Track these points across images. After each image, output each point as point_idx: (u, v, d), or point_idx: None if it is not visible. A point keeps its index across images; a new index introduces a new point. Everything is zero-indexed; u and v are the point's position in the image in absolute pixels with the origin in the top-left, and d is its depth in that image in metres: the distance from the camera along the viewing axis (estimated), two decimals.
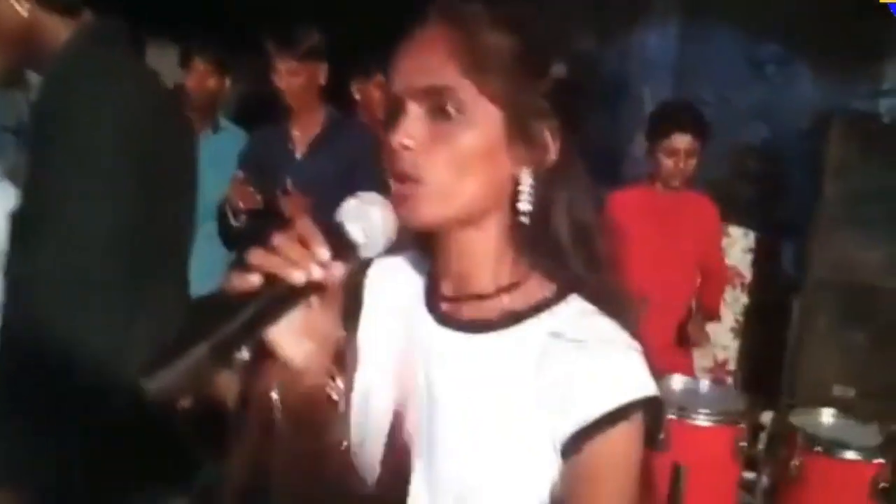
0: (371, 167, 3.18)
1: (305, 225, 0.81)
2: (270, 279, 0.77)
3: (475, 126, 0.89)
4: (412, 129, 0.89)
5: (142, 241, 1.48)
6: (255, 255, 0.79)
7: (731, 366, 3.93)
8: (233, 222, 2.97)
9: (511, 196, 0.93)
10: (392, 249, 0.94)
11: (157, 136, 1.52)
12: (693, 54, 4.15)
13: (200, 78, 3.21)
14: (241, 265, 0.79)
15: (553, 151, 0.93)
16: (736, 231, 3.92)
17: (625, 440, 0.88)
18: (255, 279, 0.77)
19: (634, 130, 3.79)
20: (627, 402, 0.88)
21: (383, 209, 0.86)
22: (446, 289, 0.99)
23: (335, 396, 0.90)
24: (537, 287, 0.96)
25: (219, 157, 3.17)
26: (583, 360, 0.89)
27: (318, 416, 0.88)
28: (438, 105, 0.89)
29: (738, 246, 3.93)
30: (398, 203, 0.89)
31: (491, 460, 0.91)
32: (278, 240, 0.80)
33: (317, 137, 3.07)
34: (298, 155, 3.07)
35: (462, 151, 0.89)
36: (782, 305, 3.73)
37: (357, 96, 3.46)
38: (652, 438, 0.91)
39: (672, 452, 2.46)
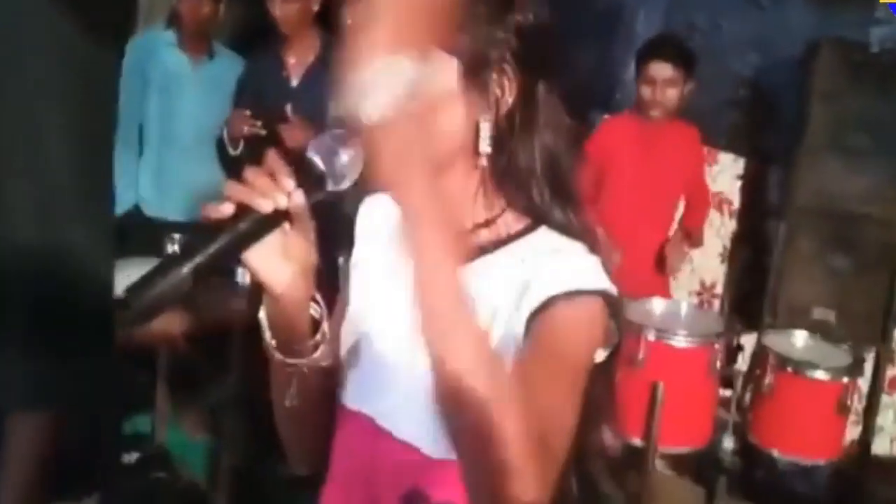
0: None
1: (273, 158, 0.87)
2: (242, 208, 0.85)
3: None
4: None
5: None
6: (227, 186, 0.86)
7: (719, 289, 4.02)
8: (231, 151, 3.04)
9: (475, 140, 0.96)
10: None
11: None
12: None
13: (194, 3, 3.21)
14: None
15: (508, 96, 0.95)
16: (725, 158, 3.96)
17: (577, 317, 0.92)
18: (226, 208, 0.84)
19: (628, 57, 3.81)
20: (584, 287, 0.92)
21: (352, 147, 0.90)
22: None
23: (317, 316, 0.97)
24: (511, 222, 1.00)
25: (214, 83, 3.23)
26: (549, 263, 0.95)
27: (299, 335, 0.95)
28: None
29: (727, 173, 3.98)
30: None
31: None
32: (248, 172, 0.86)
33: (312, 64, 3.11)
34: (294, 82, 3.12)
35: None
36: (767, 231, 3.81)
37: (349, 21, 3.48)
38: (610, 339, 0.97)
39: (651, 372, 2.59)
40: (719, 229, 4.00)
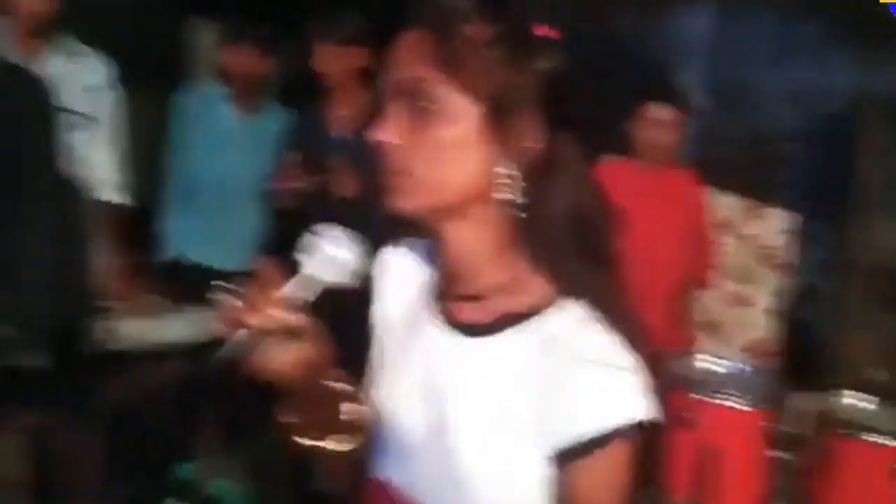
0: None
1: (267, 271, 0.93)
2: (237, 324, 0.91)
3: (450, 118, 0.90)
4: (390, 124, 0.92)
5: None
6: (222, 308, 0.92)
7: (766, 346, 3.95)
8: (280, 204, 3.06)
9: (495, 189, 0.93)
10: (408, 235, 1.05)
11: None
12: (729, 35, 4.13)
13: (244, 59, 3.25)
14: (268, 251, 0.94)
15: (534, 143, 0.92)
16: (773, 213, 3.92)
17: (609, 463, 0.89)
18: (225, 328, 0.91)
19: None
20: (615, 426, 0.87)
21: (336, 243, 0.94)
22: (447, 287, 1.00)
23: (341, 390, 0.98)
24: (535, 289, 0.94)
25: (263, 136, 3.27)
26: (576, 376, 0.88)
27: (323, 412, 0.97)
28: (414, 99, 0.90)
29: (773, 227, 3.94)
30: (391, 193, 0.94)
31: (482, 459, 0.92)
32: (250, 294, 0.91)
33: (358, 118, 3.14)
34: (341, 136, 3.14)
35: (439, 143, 0.90)
36: (816, 287, 3.74)
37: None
38: (647, 455, 0.91)
39: (700, 433, 2.53)
40: (768, 285, 3.94)
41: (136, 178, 3.01)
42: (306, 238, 0.94)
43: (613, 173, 3.09)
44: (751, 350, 3.90)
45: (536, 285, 0.94)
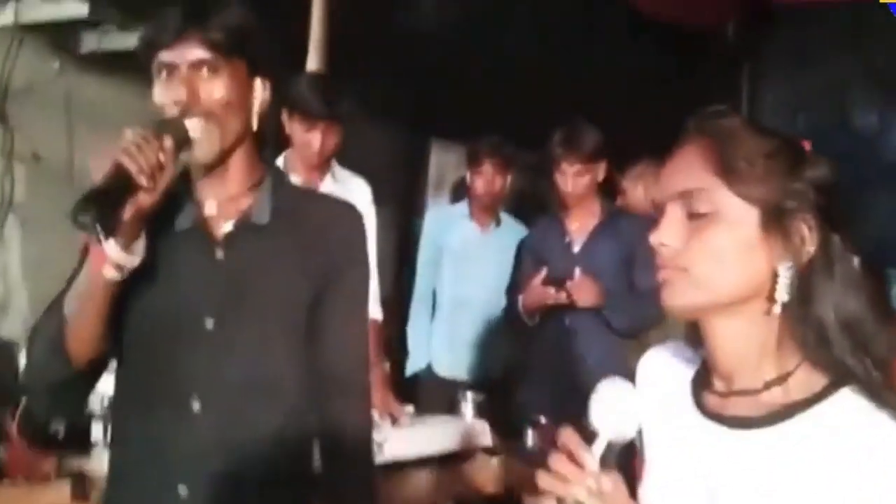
0: (649, 254, 3.22)
1: (571, 439, 0.96)
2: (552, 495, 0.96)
3: (729, 223, 0.96)
4: (670, 229, 0.99)
5: None
6: (542, 480, 0.96)
7: None
8: (528, 322, 3.10)
9: (772, 288, 0.97)
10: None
11: None
12: None
13: (489, 177, 3.42)
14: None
15: (810, 245, 0.96)
16: None
17: None
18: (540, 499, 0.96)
19: None
20: None
21: (625, 397, 1.00)
22: (716, 383, 1.03)
23: None
24: (806, 380, 0.96)
25: (502, 249, 3.39)
26: (870, 466, 0.88)
27: None
28: (693, 205, 0.98)
29: None
30: (663, 287, 0.99)
31: None
32: (554, 462, 0.96)
33: (594, 230, 3.17)
34: (577, 247, 3.18)
35: (717, 245, 0.97)
36: None
37: (624, 187, 3.56)
38: None
39: None
40: None
41: (382, 293, 3.19)
42: (599, 397, 1.00)
43: None
44: None
45: (807, 377, 0.96)
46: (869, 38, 4.16)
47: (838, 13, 4.11)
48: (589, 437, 0.97)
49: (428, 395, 3.23)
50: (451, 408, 2.96)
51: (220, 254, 1.36)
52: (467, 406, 2.87)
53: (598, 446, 0.96)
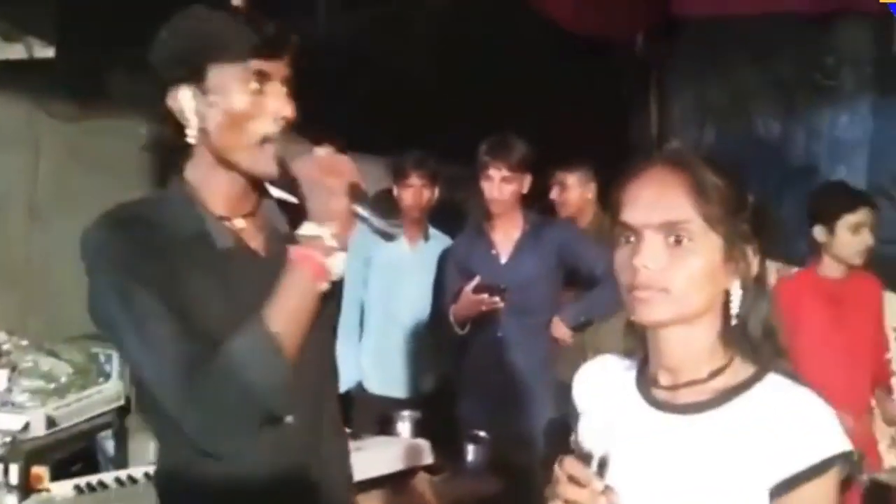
0: (576, 250, 3.27)
1: (574, 467, 1.07)
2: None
3: (702, 250, 1.13)
4: (652, 254, 1.12)
5: None
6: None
7: None
8: (458, 331, 3.10)
9: (723, 303, 1.17)
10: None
11: None
12: (888, 131, 4.03)
13: (416, 191, 3.39)
14: None
15: (754, 268, 1.17)
16: None
17: (824, 490, 1.09)
18: None
19: None
20: (828, 456, 1.08)
21: None
22: (663, 379, 1.21)
23: None
24: (740, 369, 1.17)
25: (430, 264, 3.37)
26: (789, 420, 1.10)
27: None
28: (674, 234, 1.13)
29: None
30: (639, 304, 1.14)
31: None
32: (565, 493, 1.07)
33: (519, 241, 3.20)
34: (504, 259, 3.20)
35: (694, 270, 1.13)
36: None
37: (568, 183, 3.64)
38: (847, 486, 1.12)
39: None
40: None
41: None
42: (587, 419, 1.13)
43: (797, 287, 3.03)
44: None
45: (740, 368, 1.17)
46: (772, 50, 4.32)
47: (743, 25, 4.25)
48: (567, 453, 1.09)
49: (359, 413, 3.17)
50: (384, 426, 2.92)
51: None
52: (405, 425, 2.82)
53: (594, 465, 1.07)
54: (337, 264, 1.34)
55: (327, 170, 1.35)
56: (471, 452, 2.64)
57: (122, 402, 3.53)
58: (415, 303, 3.35)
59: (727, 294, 1.16)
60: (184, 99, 1.36)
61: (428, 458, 2.61)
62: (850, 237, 2.92)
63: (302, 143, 1.47)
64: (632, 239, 1.15)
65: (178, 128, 1.39)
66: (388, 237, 1.39)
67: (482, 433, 2.66)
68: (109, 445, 3.37)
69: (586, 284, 3.14)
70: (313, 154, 1.38)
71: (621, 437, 1.14)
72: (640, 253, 1.12)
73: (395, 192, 3.39)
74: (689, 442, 1.15)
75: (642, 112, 4.82)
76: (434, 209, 3.50)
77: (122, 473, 2.35)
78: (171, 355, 1.30)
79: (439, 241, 3.48)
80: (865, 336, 3.05)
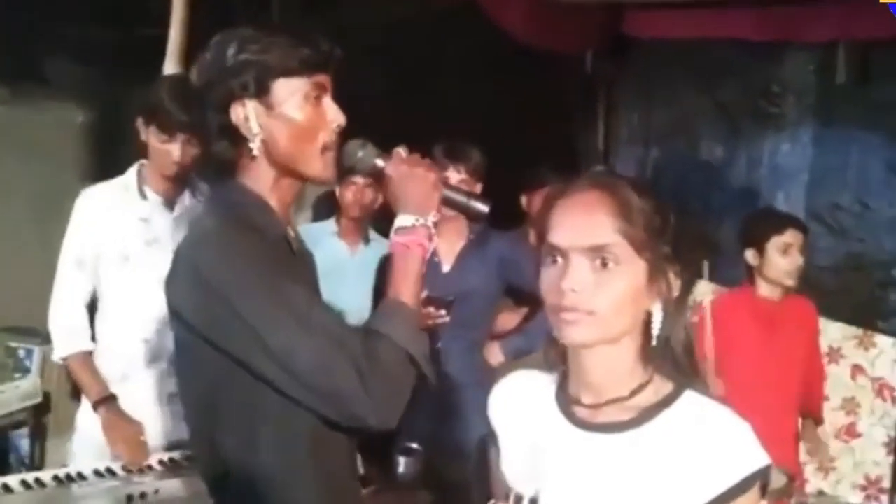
0: (519, 267, 3.21)
1: None
2: None
3: (627, 273, 1.14)
4: (579, 277, 1.14)
5: None
6: None
7: (885, 483, 3.74)
8: None
9: (644, 322, 1.19)
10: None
11: None
12: (828, 160, 4.11)
13: (358, 190, 3.32)
14: None
15: (675, 290, 1.19)
16: (883, 341, 3.79)
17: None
18: None
19: None
20: (749, 473, 1.11)
21: None
22: (584, 397, 1.21)
23: None
24: (660, 387, 1.19)
25: (371, 268, 3.28)
26: (709, 439, 1.13)
27: None
28: (600, 258, 1.14)
29: (886, 356, 3.79)
30: (565, 325, 1.14)
31: None
32: None
33: (463, 250, 3.15)
34: (446, 268, 3.15)
35: (619, 293, 1.14)
36: None
37: (525, 205, 3.56)
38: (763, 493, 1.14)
39: None
40: (882, 417, 3.77)
41: None
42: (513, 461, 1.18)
43: (731, 305, 3.06)
44: (871, 486, 3.72)
45: (660, 385, 1.19)
46: (718, 75, 4.37)
47: (691, 49, 4.30)
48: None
49: None
50: None
51: None
52: None
53: None
54: (432, 247, 1.53)
55: (415, 165, 1.50)
56: (402, 465, 2.57)
57: (39, 400, 3.39)
58: (353, 309, 3.26)
59: (648, 314, 1.18)
60: (249, 113, 1.46)
61: (358, 470, 2.53)
62: (779, 258, 2.98)
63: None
64: (559, 260, 1.16)
65: (237, 142, 1.48)
66: (478, 217, 1.59)
67: (415, 445, 2.59)
68: (24, 444, 3.23)
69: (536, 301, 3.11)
70: (396, 154, 1.52)
71: (548, 463, 1.16)
72: (567, 276, 1.13)
73: (337, 191, 3.32)
74: (615, 462, 1.16)
75: (590, 128, 4.84)
76: (377, 213, 3.43)
77: (30, 476, 2.19)
78: (341, 339, 1.38)
79: (381, 245, 3.40)
80: (797, 358, 3.09)
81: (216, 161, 1.53)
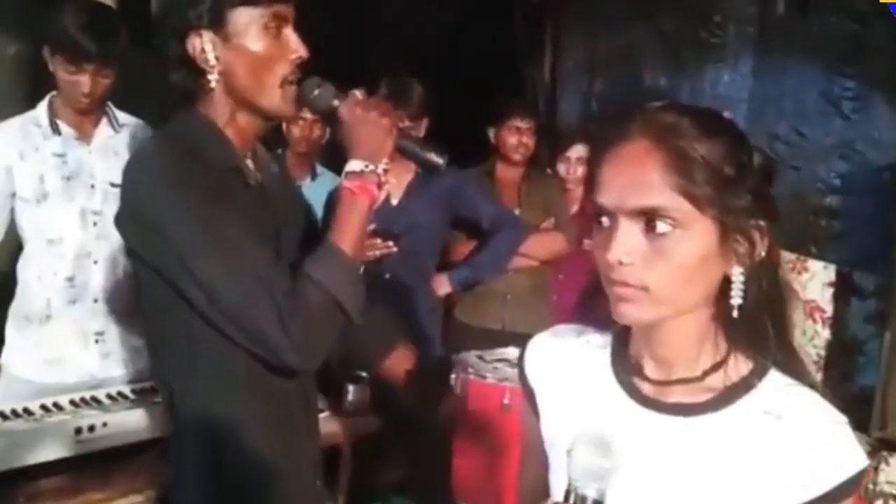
0: (466, 200, 3.25)
1: None
2: None
3: (690, 238, 0.94)
4: (628, 245, 0.94)
5: None
6: None
7: None
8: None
9: (722, 289, 0.99)
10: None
11: None
12: (766, 90, 4.18)
13: (306, 125, 3.30)
14: None
15: (761, 250, 0.98)
16: (815, 265, 3.93)
17: None
18: None
19: None
20: (847, 478, 0.94)
21: (603, 451, 0.91)
22: (650, 371, 1.05)
23: None
24: (739, 365, 1.02)
25: (318, 203, 3.30)
26: (800, 433, 0.96)
27: None
28: (653, 222, 0.94)
29: (817, 280, 3.94)
30: (621, 301, 0.96)
31: None
32: None
33: (411, 184, 3.19)
34: (395, 201, 3.18)
35: (680, 262, 0.94)
36: (862, 339, 3.73)
37: (493, 140, 3.61)
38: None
39: None
40: (813, 338, 3.93)
41: None
42: (576, 456, 0.92)
43: None
44: None
45: (737, 364, 1.02)
46: (660, 5, 4.39)
47: None
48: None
49: None
50: None
51: None
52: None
53: None
54: (383, 194, 1.51)
55: (370, 110, 1.46)
56: (351, 392, 2.64)
57: None
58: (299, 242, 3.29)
59: (728, 279, 0.98)
60: (205, 45, 1.41)
61: (311, 402, 2.59)
62: None
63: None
64: (606, 222, 0.97)
65: (196, 72, 1.44)
66: (433, 169, 1.54)
67: (363, 373, 2.67)
68: None
69: (486, 234, 3.18)
70: (352, 96, 1.48)
71: (613, 444, 0.94)
72: (614, 244, 0.94)
73: (284, 126, 3.31)
74: (691, 449, 1.00)
75: (537, 59, 4.84)
76: (326, 149, 3.44)
77: None
78: (265, 278, 1.35)
79: (329, 180, 3.42)
80: None
81: (176, 89, 1.49)
